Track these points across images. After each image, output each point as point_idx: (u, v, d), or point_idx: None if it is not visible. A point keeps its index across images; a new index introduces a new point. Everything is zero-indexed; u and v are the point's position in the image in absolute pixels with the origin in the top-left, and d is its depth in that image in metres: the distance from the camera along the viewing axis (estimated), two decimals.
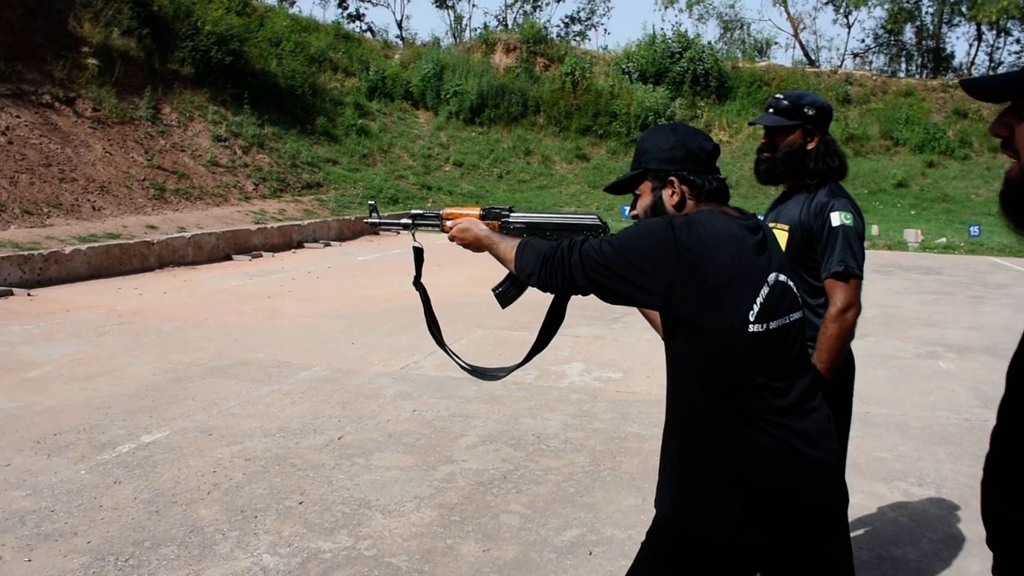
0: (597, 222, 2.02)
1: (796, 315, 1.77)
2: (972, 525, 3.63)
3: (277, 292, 9.53)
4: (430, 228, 2.26)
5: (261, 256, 12.95)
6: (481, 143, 22.74)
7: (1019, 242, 15.72)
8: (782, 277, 1.75)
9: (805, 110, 2.48)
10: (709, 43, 26.02)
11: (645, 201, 1.85)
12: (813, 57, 35.87)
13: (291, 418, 4.90)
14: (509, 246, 1.93)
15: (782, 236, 2.51)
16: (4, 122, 12.39)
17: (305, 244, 14.45)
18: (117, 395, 5.27)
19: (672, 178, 1.81)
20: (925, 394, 5.73)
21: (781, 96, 2.55)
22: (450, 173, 21.43)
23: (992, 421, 1.26)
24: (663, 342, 1.81)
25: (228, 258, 12.49)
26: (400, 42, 29.73)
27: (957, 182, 22.17)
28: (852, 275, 2.35)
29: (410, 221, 2.28)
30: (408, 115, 23.09)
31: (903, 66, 33.61)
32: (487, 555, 3.23)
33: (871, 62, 35.53)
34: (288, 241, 14.09)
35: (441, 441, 4.55)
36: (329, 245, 14.72)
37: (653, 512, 1.83)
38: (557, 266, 1.78)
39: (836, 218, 2.39)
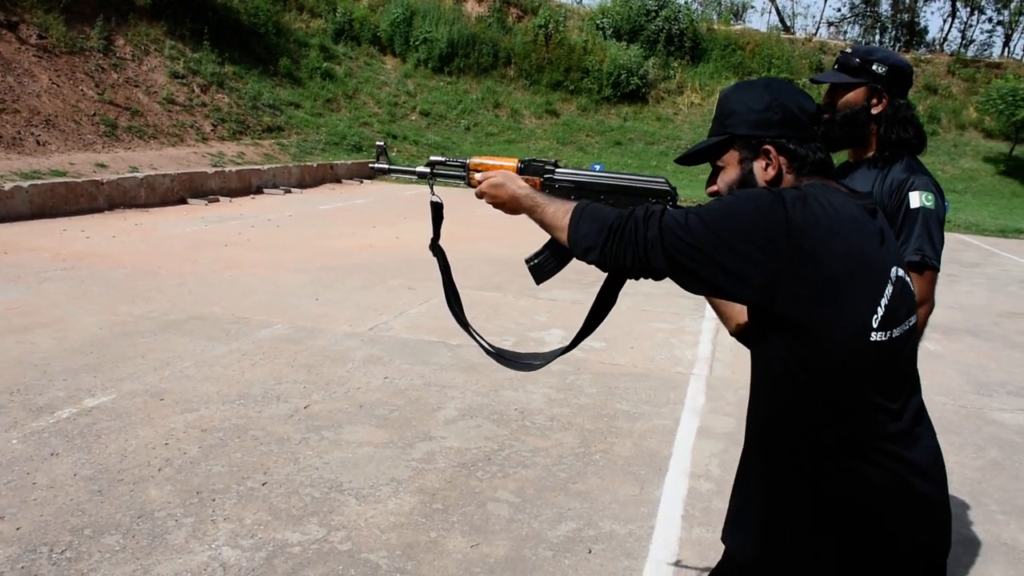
0: (666, 187, 1.63)
1: (913, 320, 1.42)
2: (988, 526, 3.40)
3: (235, 240, 9.01)
4: (452, 179, 1.87)
5: (218, 201, 12.34)
6: (449, 93, 22.07)
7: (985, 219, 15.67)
8: (900, 272, 1.40)
9: (874, 67, 2.11)
10: (685, 3, 25.50)
11: (730, 175, 1.47)
12: (788, 23, 35.57)
13: (252, 382, 4.49)
14: (560, 210, 1.53)
15: None
16: None
17: (264, 190, 13.84)
18: (58, 350, 4.80)
19: (768, 147, 1.43)
20: None
21: (849, 50, 2.18)
22: (416, 122, 20.78)
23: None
24: (747, 346, 1.46)
25: (183, 202, 11.87)
26: None
27: (924, 158, 22.10)
28: (929, 266, 2.02)
29: (428, 170, 1.88)
30: (375, 61, 22.28)
31: (877, 38, 33.45)
32: (476, 551, 2.90)
33: (846, 32, 35.33)
34: (247, 186, 13.47)
35: (417, 414, 4.19)
36: (290, 192, 14.13)
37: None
38: (629, 241, 1.39)
39: (916, 198, 2.04)
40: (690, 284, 1.37)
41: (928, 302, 1.99)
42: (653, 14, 23.22)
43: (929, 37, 33.90)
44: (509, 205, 1.65)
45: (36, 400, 4.04)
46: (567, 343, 1.87)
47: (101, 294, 6.22)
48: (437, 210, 1.92)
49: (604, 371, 5.11)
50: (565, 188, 1.70)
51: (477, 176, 1.76)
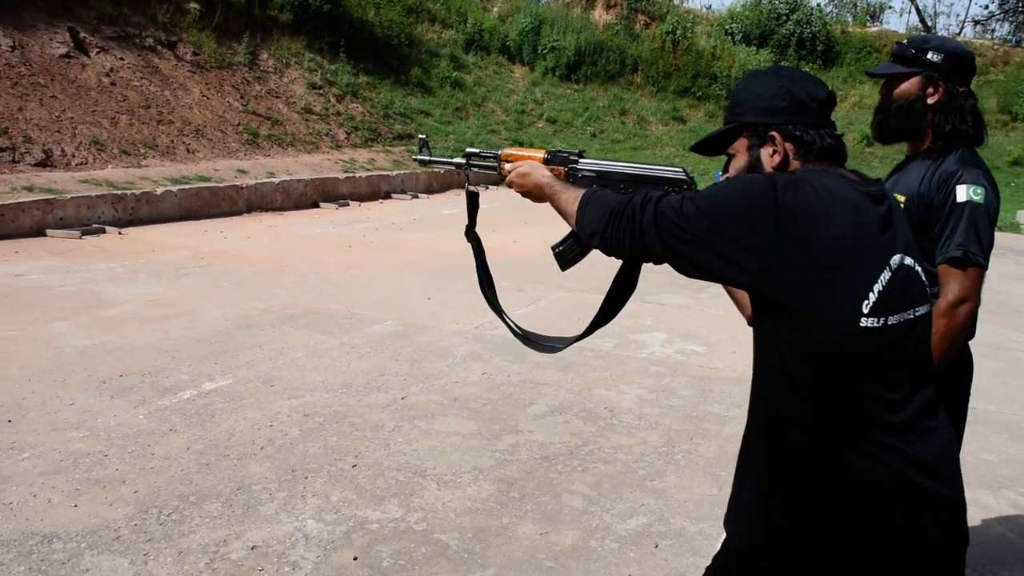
0: (682, 176, 1.68)
1: (922, 310, 1.41)
2: None
3: (359, 242, 9.44)
4: (486, 170, 1.99)
5: (348, 205, 12.92)
6: (576, 100, 22.18)
7: None
8: (908, 260, 1.40)
9: (929, 55, 2.05)
10: (818, 5, 24.57)
11: (740, 162, 1.51)
12: (930, 23, 33.58)
13: (356, 373, 4.74)
14: (572, 197, 1.62)
15: None
16: (109, 64, 12.62)
17: (393, 195, 14.37)
18: (187, 339, 5.23)
19: (773, 133, 1.46)
20: None
21: (905, 41, 2.13)
22: (543, 130, 21.00)
23: None
24: (751, 329, 1.49)
25: (315, 205, 12.50)
26: None
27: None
28: (973, 263, 1.93)
29: (463, 161, 2.01)
30: (504, 69, 22.68)
31: None
32: (544, 539, 2.99)
33: (993, 30, 32.99)
34: (376, 191, 14.03)
35: (508, 408, 4.32)
36: (417, 197, 14.61)
37: (727, 505, 1.53)
38: (626, 226, 1.46)
39: (963, 192, 1.96)
40: (684, 268, 1.42)
41: (971, 300, 1.91)
42: (784, 18, 22.53)
43: None
44: (534, 193, 1.75)
45: (163, 382, 4.43)
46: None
47: (230, 289, 6.69)
48: (473, 199, 2.04)
49: (701, 374, 5.08)
50: (588, 177, 1.78)
51: (507, 166, 1.87)
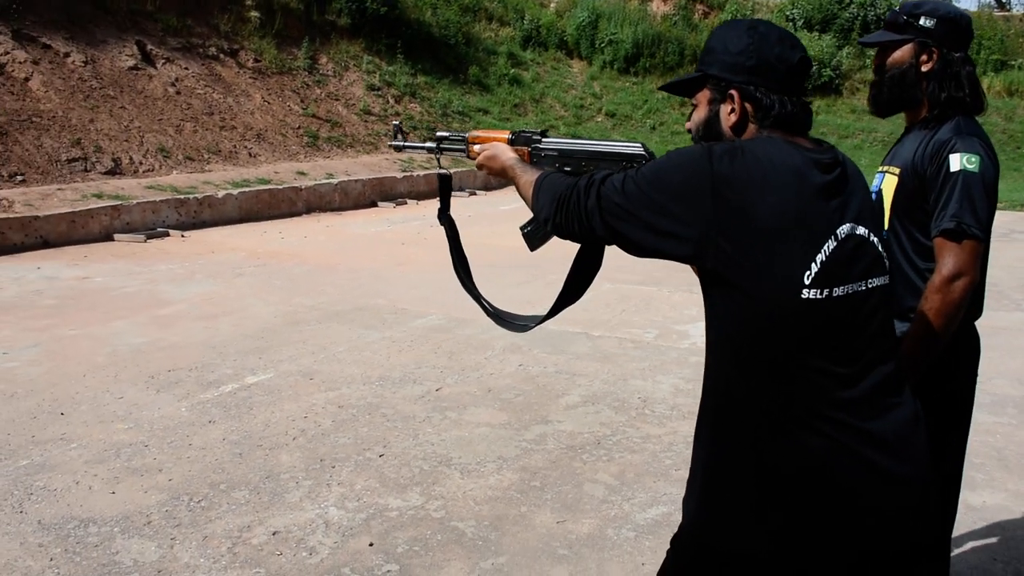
0: (641, 151, 1.66)
1: (877, 281, 1.37)
2: None
3: (413, 240, 9.56)
4: (456, 153, 2.02)
5: (405, 203, 13.09)
6: (635, 93, 21.99)
7: None
8: (861, 230, 1.35)
9: (921, 21, 1.95)
10: None
11: (699, 114, 1.48)
12: (1005, 0, 32.14)
13: (394, 366, 4.82)
14: (528, 181, 1.63)
15: (891, 181, 2.03)
16: (174, 73, 13.06)
17: (453, 193, 14.50)
18: (234, 335, 5.39)
19: (733, 91, 1.42)
20: None
21: (897, 7, 2.05)
22: (602, 124, 20.90)
23: None
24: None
25: (373, 205, 12.71)
26: None
27: None
28: (967, 235, 1.83)
29: (435, 145, 2.04)
30: (562, 64, 22.64)
31: None
32: (560, 527, 3.00)
33: None
34: (434, 189, 14.17)
35: (540, 399, 4.33)
36: (475, 194, 14.71)
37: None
38: (573, 211, 1.45)
39: (956, 161, 1.86)
40: (629, 248, 1.41)
41: (967, 274, 1.82)
42: (847, 2, 21.88)
43: None
44: (501, 175, 1.77)
45: (208, 376, 4.58)
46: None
47: (282, 287, 6.86)
48: (445, 182, 2.06)
49: None
50: (551, 156, 1.79)
51: (475, 148, 1.89)
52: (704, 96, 1.48)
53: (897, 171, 2.01)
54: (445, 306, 6.32)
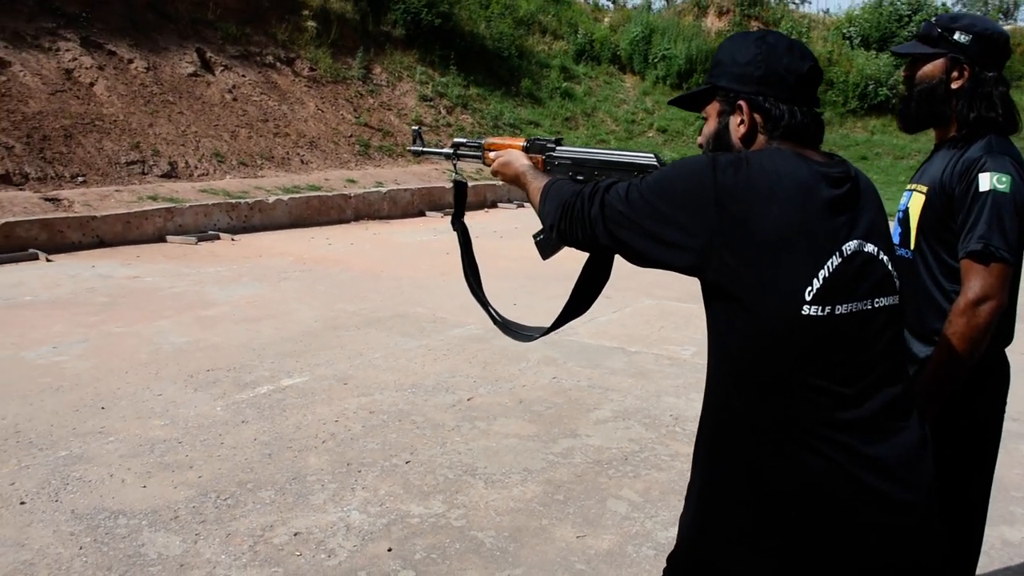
0: (653, 162, 1.66)
1: (885, 301, 1.34)
2: None
3: (457, 250, 9.58)
4: (472, 159, 2.04)
5: (452, 214, 13.19)
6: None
7: None
8: (869, 248, 1.32)
9: (956, 36, 1.89)
10: (944, 4, 23.26)
11: (710, 127, 1.47)
12: None
13: (428, 374, 4.85)
14: (537, 187, 1.64)
15: (919, 200, 1.98)
16: (232, 80, 13.37)
17: (499, 204, 14.56)
18: (275, 338, 5.48)
19: (741, 102, 1.40)
20: None
21: (934, 19, 2.00)
22: (653, 139, 20.80)
23: None
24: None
25: (421, 214, 12.82)
26: (611, 5, 29.14)
27: None
28: (995, 257, 1.77)
29: (452, 151, 2.07)
30: (614, 79, 22.62)
31: None
32: (580, 542, 2.98)
33: None
34: (482, 200, 14.25)
35: (571, 412, 4.32)
36: (523, 206, 14.72)
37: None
38: (576, 218, 1.45)
39: (985, 180, 1.80)
40: (632, 257, 1.40)
41: (994, 299, 1.76)
42: (906, 19, 21.45)
43: None
44: (514, 183, 1.78)
45: (245, 377, 4.67)
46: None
47: (325, 292, 6.96)
48: (460, 189, 2.08)
49: None
50: (564, 165, 1.80)
51: (491, 155, 1.90)
52: (714, 108, 1.46)
53: (925, 189, 1.96)
54: (484, 317, 6.28)
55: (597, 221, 1.41)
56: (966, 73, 1.91)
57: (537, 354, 5.37)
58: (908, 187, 2.05)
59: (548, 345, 5.58)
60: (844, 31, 22.06)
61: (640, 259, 1.39)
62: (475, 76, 18.50)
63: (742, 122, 1.41)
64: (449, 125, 16.73)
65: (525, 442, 3.89)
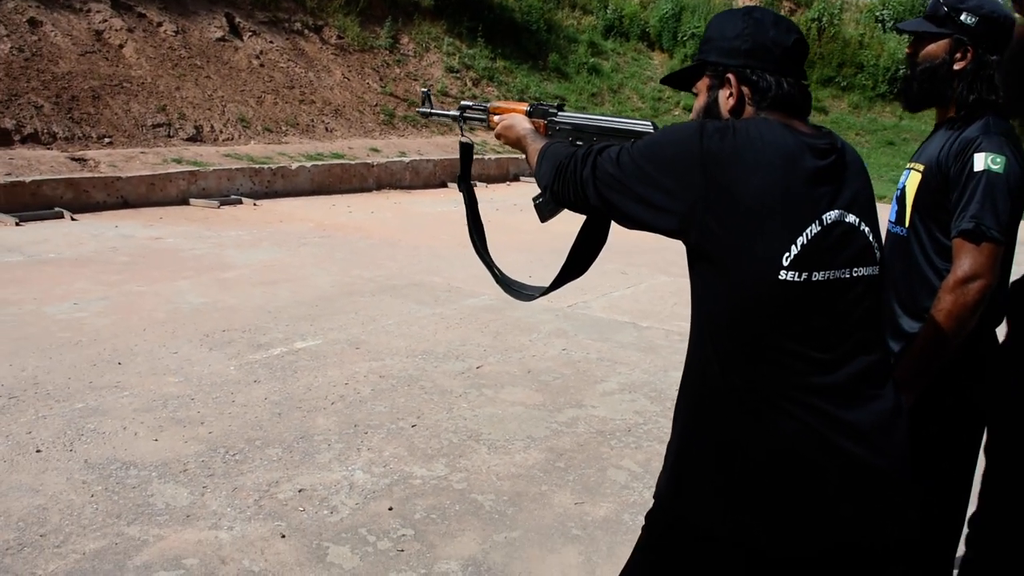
0: (650, 129, 1.68)
1: (864, 271, 1.36)
2: None
3: (464, 209, 9.63)
4: (478, 122, 2.07)
5: (475, 186, 13.16)
6: None
7: None
8: (850, 219, 1.35)
9: (963, 17, 1.88)
10: None
11: (700, 101, 1.50)
12: None
13: (439, 342, 4.90)
14: (535, 149, 1.68)
15: (915, 178, 1.98)
16: (259, 46, 13.41)
17: (521, 177, 14.54)
18: (290, 302, 5.55)
19: (729, 75, 1.43)
20: None
21: None
22: (679, 117, 20.63)
23: None
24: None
25: (443, 185, 12.84)
26: None
27: None
28: (986, 236, 1.77)
29: (458, 113, 2.10)
30: (642, 56, 22.42)
31: None
32: (577, 508, 3.03)
33: None
34: (504, 173, 14.26)
35: (578, 383, 4.36)
36: None
37: None
38: (569, 179, 1.49)
39: (980, 160, 1.80)
40: (619, 218, 1.43)
41: (984, 278, 1.76)
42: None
43: None
44: (516, 145, 1.82)
45: (259, 339, 4.74)
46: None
47: (343, 259, 7.03)
48: (466, 150, 2.12)
49: None
50: (564, 130, 1.83)
51: (495, 118, 1.93)
52: (703, 84, 1.50)
53: (922, 168, 1.96)
54: (498, 288, 6.36)
55: (588, 182, 1.45)
56: (969, 55, 1.90)
57: (549, 326, 5.40)
58: (908, 166, 2.05)
59: (560, 317, 5.62)
60: (877, 13, 21.68)
61: (627, 220, 1.42)
62: (502, 49, 18.41)
63: (731, 95, 1.44)
64: (475, 97, 16.68)
65: (531, 411, 3.93)
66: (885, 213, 2.10)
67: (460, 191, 2.20)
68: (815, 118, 17.44)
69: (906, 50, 2.04)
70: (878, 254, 1.40)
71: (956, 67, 1.91)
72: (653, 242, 8.56)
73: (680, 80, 1.56)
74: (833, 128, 15.03)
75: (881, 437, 1.34)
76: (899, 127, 19.79)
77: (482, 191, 12.68)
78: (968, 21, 1.89)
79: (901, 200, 2.01)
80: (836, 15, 21.61)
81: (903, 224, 2.00)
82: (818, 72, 21.43)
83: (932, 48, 1.94)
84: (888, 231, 2.06)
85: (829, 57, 21.37)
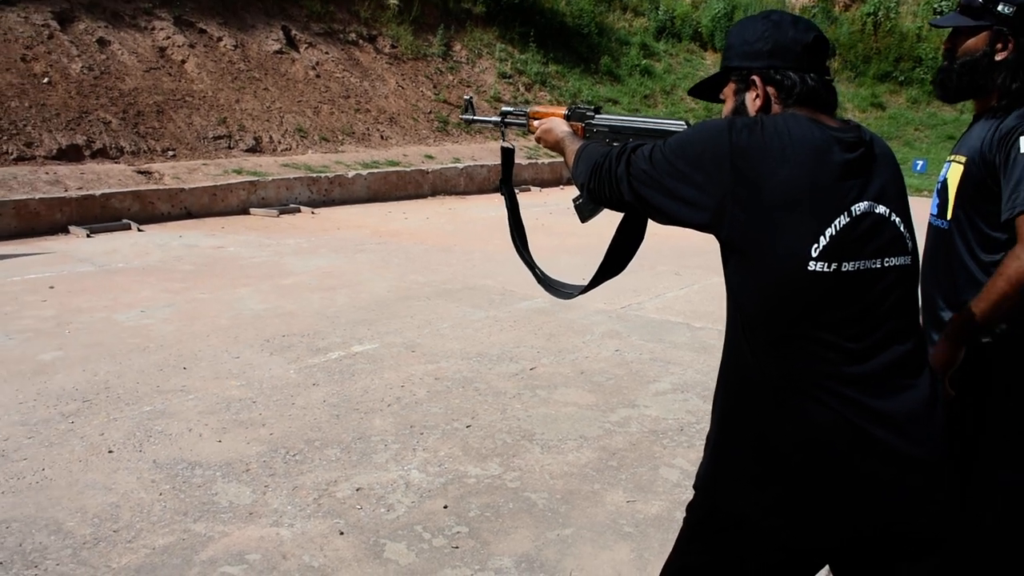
0: (684, 127, 1.71)
1: (896, 261, 1.38)
2: None
3: (531, 225, 9.50)
4: (519, 127, 2.12)
5: (529, 190, 13.25)
6: None
7: None
8: (880, 209, 1.36)
9: (1000, 7, 1.86)
10: None
11: (728, 107, 1.53)
12: None
13: (493, 344, 4.96)
14: (572, 151, 1.73)
15: (957, 170, 1.96)
16: (315, 57, 13.70)
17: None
18: (348, 306, 5.68)
19: (754, 77, 1.46)
20: None
21: None
22: None
23: None
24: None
25: (497, 190, 12.93)
26: None
27: None
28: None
29: (500, 119, 2.16)
30: (695, 56, 22.23)
31: None
32: (629, 507, 3.04)
33: None
34: (557, 177, 14.28)
35: (631, 384, 4.37)
36: None
37: None
38: (604, 177, 1.53)
39: None
40: (653, 214, 1.47)
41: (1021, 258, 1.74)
42: None
43: None
44: (555, 148, 1.86)
45: (319, 343, 4.86)
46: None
47: (399, 264, 7.15)
48: (507, 155, 2.17)
49: None
50: (602, 132, 1.87)
51: (535, 123, 1.98)
52: (730, 90, 1.53)
53: (963, 160, 1.94)
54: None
55: (623, 179, 1.48)
56: (1010, 45, 1.88)
57: (601, 327, 5.42)
58: (948, 159, 2.03)
59: (613, 319, 5.63)
60: (935, 6, 21.13)
61: (660, 215, 1.45)
62: (554, 53, 18.46)
63: (757, 96, 1.47)
64: (527, 102, 16.76)
65: (583, 411, 3.96)
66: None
67: (501, 194, 2.25)
68: (872, 114, 17.10)
69: (944, 45, 2.03)
70: (910, 244, 1.41)
71: (998, 58, 1.90)
72: (705, 243, 8.48)
73: (706, 89, 1.60)
74: (891, 123, 14.94)
75: (915, 426, 1.35)
76: (959, 121, 19.23)
77: (535, 195, 12.74)
78: (1006, 11, 1.87)
79: (943, 193, 2.00)
80: (893, 8, 21.14)
81: (944, 217, 1.98)
82: (875, 67, 20.97)
83: (972, 42, 1.93)
84: (930, 224, 2.04)
85: (886, 52, 20.91)
